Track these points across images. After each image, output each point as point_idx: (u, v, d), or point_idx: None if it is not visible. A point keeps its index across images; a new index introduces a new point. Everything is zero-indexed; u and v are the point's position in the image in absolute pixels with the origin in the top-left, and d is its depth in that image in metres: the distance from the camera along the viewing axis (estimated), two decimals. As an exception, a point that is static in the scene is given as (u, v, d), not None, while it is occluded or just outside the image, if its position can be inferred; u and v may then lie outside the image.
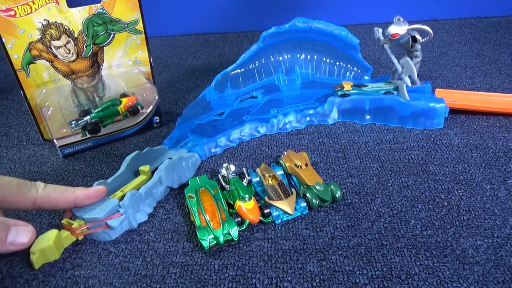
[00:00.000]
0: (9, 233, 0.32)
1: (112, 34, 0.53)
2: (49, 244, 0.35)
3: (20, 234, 0.33)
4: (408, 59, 0.53)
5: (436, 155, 0.48)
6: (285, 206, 0.40)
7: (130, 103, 0.54)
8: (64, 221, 0.38)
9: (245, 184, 0.43)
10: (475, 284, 0.32)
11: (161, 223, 0.41)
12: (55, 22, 0.49)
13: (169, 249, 0.38)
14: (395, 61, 0.55)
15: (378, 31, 0.56)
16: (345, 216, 0.40)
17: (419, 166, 0.47)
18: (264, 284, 0.34)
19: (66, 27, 0.49)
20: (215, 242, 0.37)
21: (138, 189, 0.42)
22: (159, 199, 0.44)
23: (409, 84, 0.53)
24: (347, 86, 0.57)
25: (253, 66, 0.62)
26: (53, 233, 0.36)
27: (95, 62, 0.54)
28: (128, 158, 0.46)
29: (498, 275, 0.33)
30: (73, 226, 0.37)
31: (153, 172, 0.46)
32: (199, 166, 0.49)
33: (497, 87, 0.64)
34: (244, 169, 0.45)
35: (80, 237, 0.38)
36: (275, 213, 0.40)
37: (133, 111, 0.55)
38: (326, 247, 0.37)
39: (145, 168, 0.45)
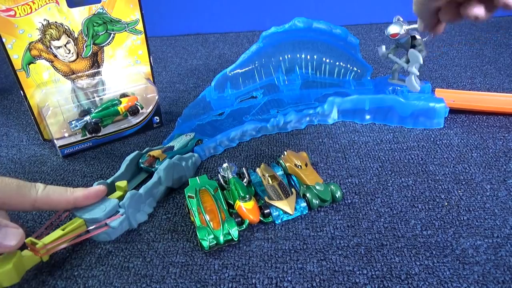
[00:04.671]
0: None
1: (112, 34, 0.53)
2: (8, 268, 0.32)
3: (8, 236, 0.32)
4: (413, 50, 0.53)
5: (436, 155, 0.48)
6: (285, 206, 0.40)
7: (130, 103, 0.54)
8: (27, 240, 0.34)
9: (245, 184, 0.43)
10: (475, 284, 0.32)
11: (161, 223, 0.41)
12: (55, 22, 0.49)
13: (169, 249, 0.38)
14: (399, 61, 0.55)
15: (382, 48, 0.57)
16: (345, 216, 0.40)
17: (419, 166, 0.47)
18: (264, 284, 0.34)
19: (66, 27, 0.49)
20: (215, 242, 0.37)
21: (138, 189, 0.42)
22: (159, 199, 0.44)
23: (417, 73, 0.53)
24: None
25: (253, 66, 0.62)
26: (13, 254, 0.32)
27: (95, 62, 0.54)
28: (128, 158, 0.46)
29: (498, 275, 0.33)
30: (37, 246, 0.34)
31: (152, 174, 0.46)
32: (199, 166, 0.50)
33: (497, 87, 0.64)
34: (244, 169, 0.45)
35: (45, 258, 0.35)
36: (275, 213, 0.40)
37: (133, 111, 0.55)
38: (326, 247, 0.37)
39: (122, 183, 0.42)
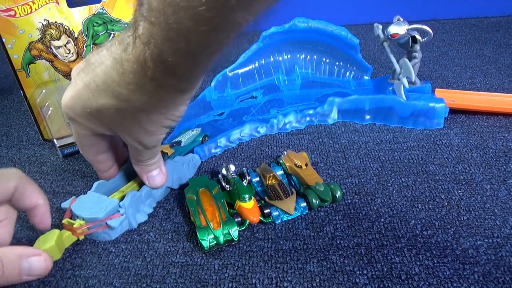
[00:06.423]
0: (22, 268, 0.31)
1: (112, 34, 0.53)
2: (51, 245, 0.35)
3: (34, 266, 0.32)
4: (407, 60, 0.53)
5: (436, 155, 0.48)
6: (285, 206, 0.40)
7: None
8: (64, 221, 0.38)
9: (245, 184, 0.43)
10: (475, 284, 0.32)
11: (161, 223, 0.41)
12: (55, 22, 0.49)
13: (169, 249, 0.38)
14: (393, 60, 0.55)
15: (378, 28, 0.56)
16: (345, 216, 0.40)
17: (419, 166, 0.47)
18: (264, 284, 0.34)
19: (66, 27, 0.49)
20: (215, 242, 0.37)
21: (137, 189, 0.42)
22: (159, 199, 0.44)
23: (407, 86, 0.53)
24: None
25: (253, 66, 0.62)
26: (54, 233, 0.36)
27: (95, 62, 0.54)
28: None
29: (498, 275, 0.33)
30: (74, 226, 0.37)
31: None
32: (199, 167, 0.49)
33: (497, 87, 0.64)
34: (244, 169, 0.45)
35: (81, 237, 0.38)
36: (275, 213, 0.40)
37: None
38: (326, 247, 0.37)
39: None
